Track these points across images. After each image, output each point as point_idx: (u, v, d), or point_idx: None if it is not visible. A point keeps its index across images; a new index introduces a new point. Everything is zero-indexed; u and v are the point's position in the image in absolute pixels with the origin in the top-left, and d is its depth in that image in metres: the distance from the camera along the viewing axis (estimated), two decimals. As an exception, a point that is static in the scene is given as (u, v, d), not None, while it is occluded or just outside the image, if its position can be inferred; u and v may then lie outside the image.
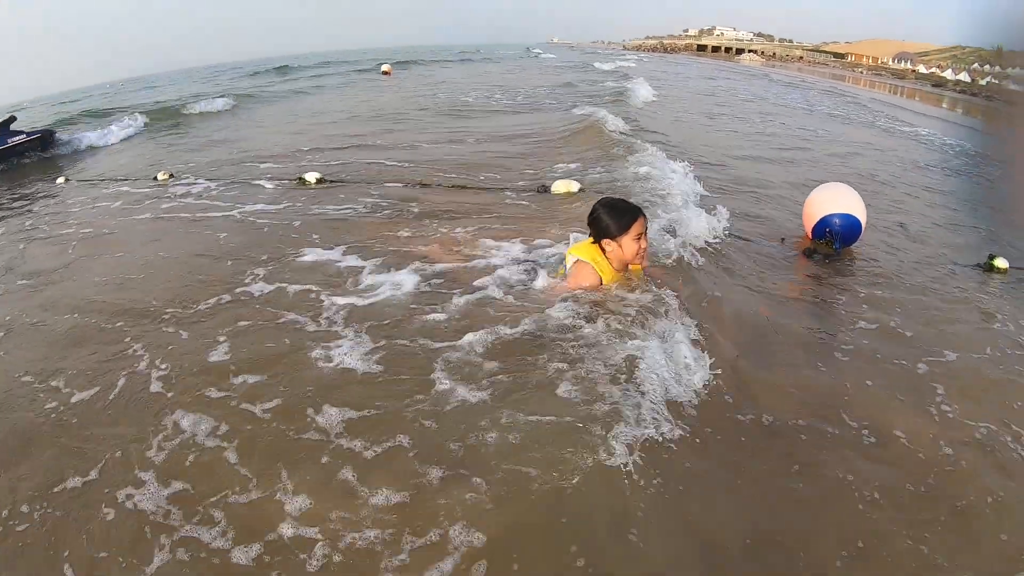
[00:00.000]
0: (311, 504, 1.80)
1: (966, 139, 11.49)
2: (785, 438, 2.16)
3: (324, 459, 1.97)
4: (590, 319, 2.67)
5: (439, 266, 3.43)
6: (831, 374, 2.61)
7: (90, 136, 9.60)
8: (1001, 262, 3.89)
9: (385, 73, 21.36)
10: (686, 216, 4.04)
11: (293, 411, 2.21)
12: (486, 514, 1.73)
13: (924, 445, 2.14)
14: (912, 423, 2.27)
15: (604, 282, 2.88)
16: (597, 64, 24.34)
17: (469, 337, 2.59)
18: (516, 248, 3.64)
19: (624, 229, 2.81)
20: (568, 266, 2.96)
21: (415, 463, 1.93)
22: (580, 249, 2.94)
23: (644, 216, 2.88)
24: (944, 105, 22.83)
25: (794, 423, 2.24)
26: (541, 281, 3.09)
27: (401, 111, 10.88)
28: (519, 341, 2.58)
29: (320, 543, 1.68)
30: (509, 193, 5.03)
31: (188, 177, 6.10)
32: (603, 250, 2.88)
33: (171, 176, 6.08)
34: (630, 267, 2.98)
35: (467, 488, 1.82)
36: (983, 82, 33.52)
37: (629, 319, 2.65)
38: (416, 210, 4.60)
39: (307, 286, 3.26)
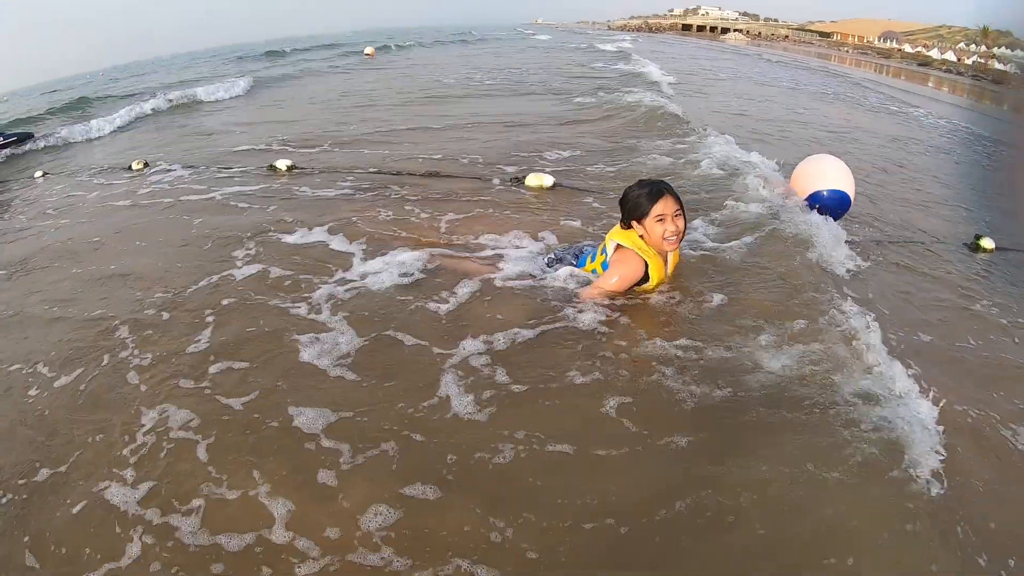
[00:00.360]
0: (289, 510, 1.72)
1: (961, 119, 11.52)
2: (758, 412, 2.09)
3: (302, 461, 1.90)
4: (622, 317, 2.55)
5: (439, 255, 3.29)
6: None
7: (70, 131, 9.31)
8: (987, 242, 3.89)
9: (368, 55, 21.24)
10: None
11: (272, 407, 2.14)
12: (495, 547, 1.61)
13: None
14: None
15: (650, 270, 2.68)
16: (598, 45, 23.89)
17: (472, 339, 2.47)
18: (526, 240, 3.48)
19: (645, 212, 2.60)
20: (609, 253, 2.74)
21: (402, 476, 1.82)
22: (620, 234, 2.71)
23: (670, 194, 2.62)
24: (930, 84, 22.86)
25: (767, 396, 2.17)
26: (564, 275, 2.89)
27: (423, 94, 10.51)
28: (542, 344, 2.44)
29: (293, 551, 1.62)
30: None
31: (161, 164, 5.98)
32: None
33: (145, 165, 5.96)
34: (670, 256, 2.77)
35: (470, 514, 1.70)
36: (968, 61, 33.64)
37: (665, 319, 2.54)
38: (423, 199, 4.45)
39: (293, 272, 3.18)
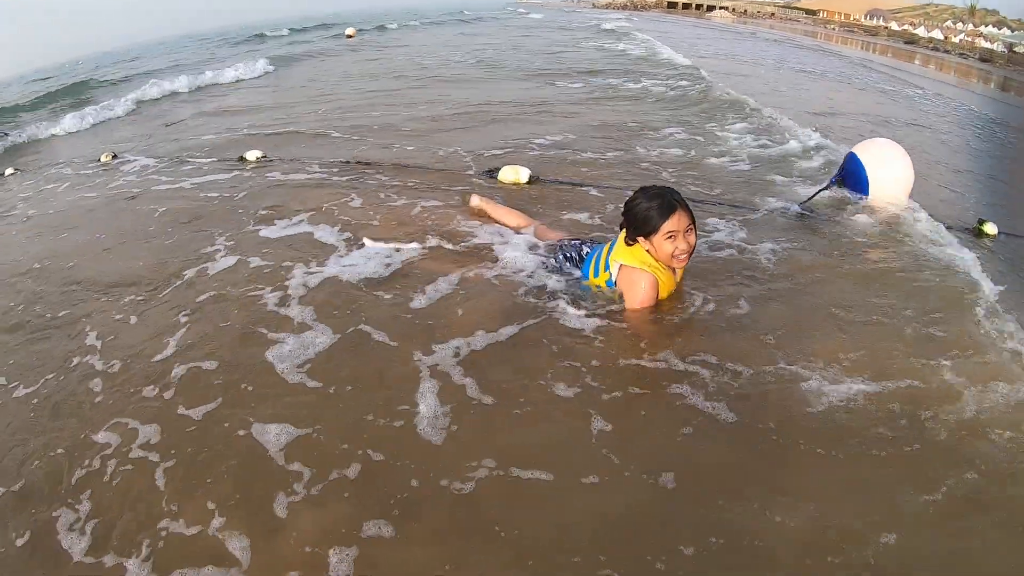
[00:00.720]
0: (245, 546, 1.57)
1: (956, 98, 11.44)
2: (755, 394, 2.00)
3: (262, 485, 1.75)
4: (622, 324, 2.39)
5: (418, 249, 3.09)
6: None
7: (42, 126, 8.93)
8: (990, 227, 3.78)
9: (349, 36, 20.94)
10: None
11: (234, 418, 1.99)
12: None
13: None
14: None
15: (660, 285, 2.47)
16: (600, 25, 23.27)
17: (450, 343, 2.30)
18: (509, 235, 3.23)
19: (655, 229, 2.35)
20: (614, 273, 2.50)
21: (364, 505, 1.65)
22: (624, 253, 2.47)
23: (681, 208, 2.36)
24: (916, 61, 22.75)
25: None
26: (568, 285, 2.67)
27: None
28: (527, 352, 2.26)
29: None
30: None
31: (127, 156, 5.74)
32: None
33: (114, 156, 5.72)
34: (677, 272, 2.55)
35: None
36: (955, 39, 33.64)
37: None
38: (401, 190, 4.21)
39: (263, 265, 3.03)
